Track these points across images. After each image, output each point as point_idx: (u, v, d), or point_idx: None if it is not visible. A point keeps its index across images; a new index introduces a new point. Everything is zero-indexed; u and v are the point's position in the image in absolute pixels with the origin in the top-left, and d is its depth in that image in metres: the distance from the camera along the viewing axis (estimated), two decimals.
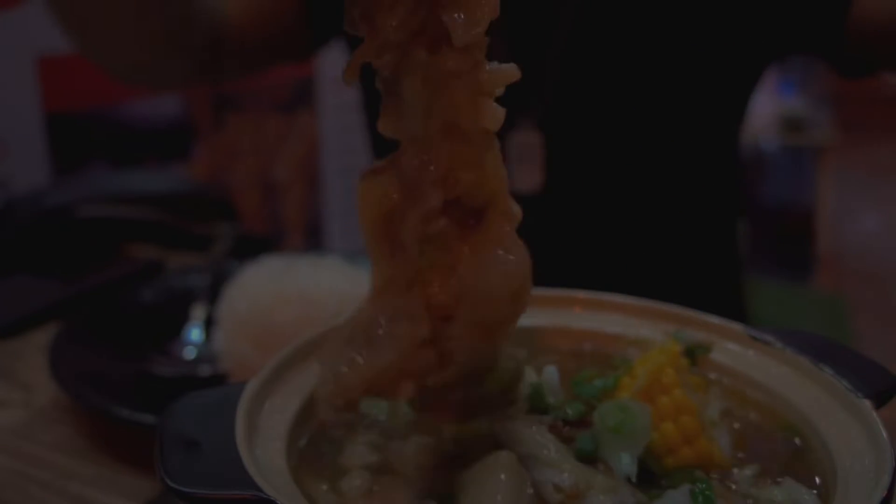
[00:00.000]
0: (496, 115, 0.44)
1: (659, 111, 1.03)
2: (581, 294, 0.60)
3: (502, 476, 0.42)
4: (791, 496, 0.43)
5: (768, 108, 3.97)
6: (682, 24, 0.99)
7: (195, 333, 0.89)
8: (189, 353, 0.87)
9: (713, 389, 0.53)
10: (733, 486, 0.44)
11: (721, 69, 1.02)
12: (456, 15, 0.40)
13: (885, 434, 0.42)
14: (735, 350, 0.54)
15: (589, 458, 0.43)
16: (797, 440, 0.48)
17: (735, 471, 0.45)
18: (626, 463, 0.43)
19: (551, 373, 0.50)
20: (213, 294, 0.91)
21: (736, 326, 0.55)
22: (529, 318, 0.59)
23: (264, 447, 0.43)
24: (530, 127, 1.03)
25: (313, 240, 2.64)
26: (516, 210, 0.45)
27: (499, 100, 0.44)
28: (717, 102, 1.04)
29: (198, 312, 0.91)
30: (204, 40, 1.01)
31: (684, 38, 0.99)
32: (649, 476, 0.44)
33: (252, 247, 1.17)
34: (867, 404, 0.45)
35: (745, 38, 1.00)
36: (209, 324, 0.86)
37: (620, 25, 0.99)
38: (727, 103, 1.06)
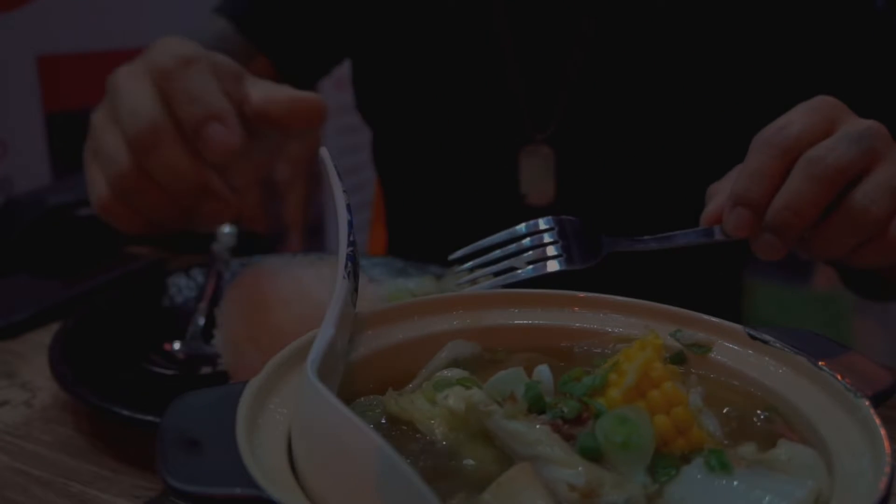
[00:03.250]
0: None
1: (664, 128, 1.05)
2: (581, 294, 0.60)
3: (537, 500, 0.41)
4: (793, 453, 0.44)
5: None
6: (687, 53, 1.01)
7: (195, 333, 0.89)
8: (189, 353, 0.87)
9: (690, 378, 0.53)
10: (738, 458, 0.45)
11: (726, 94, 1.03)
12: None
13: (883, 434, 0.42)
14: (734, 349, 0.55)
15: (593, 456, 0.43)
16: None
17: (734, 449, 0.46)
18: (641, 478, 0.43)
19: (544, 372, 0.50)
20: (213, 294, 0.91)
21: (735, 326, 0.55)
22: (530, 318, 0.59)
23: (265, 447, 0.43)
24: (543, 143, 1.05)
25: (313, 240, 2.64)
26: None
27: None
28: (723, 121, 1.06)
29: (198, 312, 0.91)
30: None
31: (690, 64, 1.02)
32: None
33: (252, 247, 1.17)
34: (866, 404, 0.45)
35: (754, 67, 1.02)
36: (209, 324, 0.86)
37: (629, 51, 1.03)
38: (732, 122, 1.07)
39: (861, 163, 0.68)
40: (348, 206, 0.56)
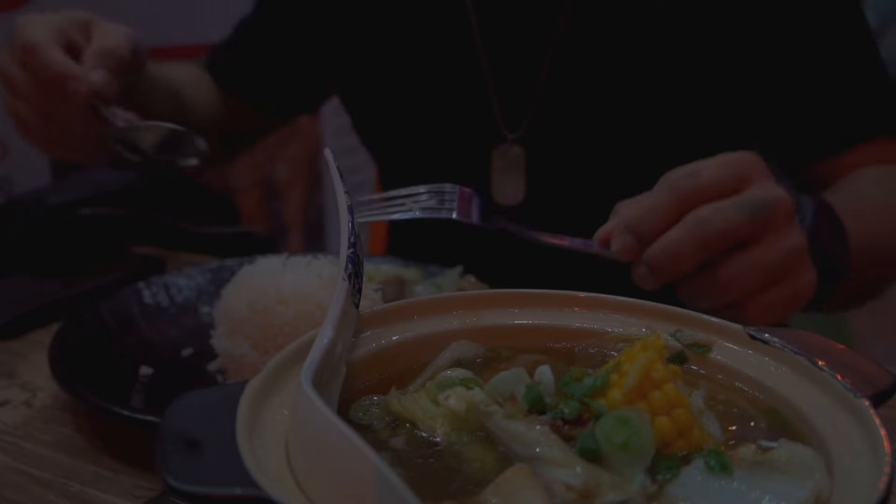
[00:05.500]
0: None
1: (634, 129, 1.06)
2: (581, 294, 0.60)
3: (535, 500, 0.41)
4: (793, 453, 0.44)
5: None
6: (658, 55, 1.02)
7: (195, 333, 0.89)
8: (188, 353, 0.87)
9: (691, 379, 0.53)
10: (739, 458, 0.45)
11: (697, 93, 1.04)
12: None
13: (883, 434, 0.42)
14: (734, 349, 0.55)
15: (593, 457, 0.43)
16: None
17: (735, 451, 0.46)
18: (641, 479, 0.43)
19: (545, 373, 0.50)
20: (212, 294, 0.91)
21: (735, 326, 0.55)
22: (529, 318, 0.59)
23: (265, 447, 0.43)
24: (515, 143, 1.06)
25: (313, 240, 2.64)
26: None
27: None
28: (694, 120, 1.06)
29: (198, 312, 0.91)
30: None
31: (660, 66, 1.03)
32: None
33: (252, 247, 1.17)
34: (866, 404, 0.45)
35: (726, 70, 1.02)
36: (209, 324, 0.86)
37: (599, 53, 1.05)
38: (703, 121, 1.07)
39: (749, 229, 0.70)
40: (350, 208, 0.56)
